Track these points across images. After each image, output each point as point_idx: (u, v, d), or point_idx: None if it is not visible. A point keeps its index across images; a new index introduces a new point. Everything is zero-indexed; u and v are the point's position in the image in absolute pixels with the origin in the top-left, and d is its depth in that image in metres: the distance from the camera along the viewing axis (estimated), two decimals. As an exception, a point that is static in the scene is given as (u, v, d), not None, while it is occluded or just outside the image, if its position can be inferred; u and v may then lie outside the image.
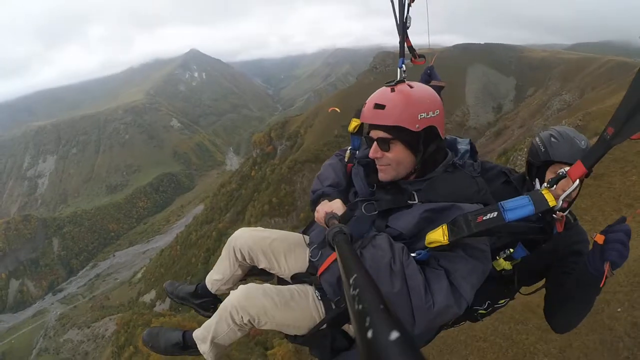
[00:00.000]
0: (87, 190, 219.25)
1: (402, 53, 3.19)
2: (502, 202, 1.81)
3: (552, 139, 2.53)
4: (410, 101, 2.10)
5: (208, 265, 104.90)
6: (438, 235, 1.88)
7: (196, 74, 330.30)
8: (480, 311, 2.86)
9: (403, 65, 3.06)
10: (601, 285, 2.16)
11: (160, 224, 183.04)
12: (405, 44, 3.24)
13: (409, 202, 2.15)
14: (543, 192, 1.82)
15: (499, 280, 2.53)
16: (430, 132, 2.15)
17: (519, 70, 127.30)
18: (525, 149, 17.68)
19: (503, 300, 2.81)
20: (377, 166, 2.28)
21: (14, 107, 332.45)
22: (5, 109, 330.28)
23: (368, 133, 2.27)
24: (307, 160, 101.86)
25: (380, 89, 2.23)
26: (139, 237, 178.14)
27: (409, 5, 3.05)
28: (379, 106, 2.12)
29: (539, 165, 2.58)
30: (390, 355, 0.61)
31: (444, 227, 1.89)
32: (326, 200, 2.34)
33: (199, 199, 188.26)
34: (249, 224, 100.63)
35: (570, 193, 2.15)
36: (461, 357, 7.28)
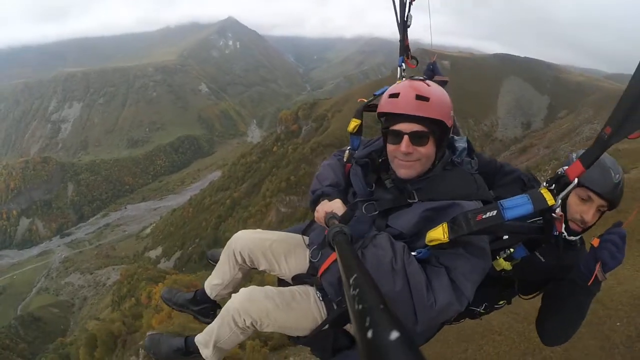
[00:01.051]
0: (108, 141, 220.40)
1: (402, 51, 3.27)
2: (501, 201, 1.84)
3: None
4: (446, 97, 2.14)
5: (217, 231, 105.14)
6: (438, 234, 1.89)
7: (230, 42, 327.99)
8: (478, 310, 2.87)
9: (403, 64, 3.17)
10: (589, 284, 2.16)
11: (175, 184, 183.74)
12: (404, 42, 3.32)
13: (408, 201, 2.15)
14: (542, 191, 1.85)
15: (497, 281, 2.54)
16: (452, 130, 2.21)
17: (554, 90, 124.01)
18: (550, 171, 16.99)
19: (501, 302, 2.82)
20: (402, 162, 2.20)
21: (47, 51, 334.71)
22: (39, 51, 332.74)
23: (391, 127, 2.18)
24: (331, 145, 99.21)
25: (409, 81, 2.21)
26: (152, 194, 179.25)
27: (410, 3, 3.09)
28: (422, 98, 2.07)
29: (559, 173, 2.38)
30: (391, 355, 0.61)
31: (444, 225, 1.90)
32: (326, 200, 2.31)
33: (216, 165, 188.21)
34: (263, 198, 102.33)
35: (584, 217, 2.38)
36: (477, 345, 7.99)
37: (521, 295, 2.80)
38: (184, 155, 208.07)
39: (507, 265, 2.29)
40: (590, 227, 2.49)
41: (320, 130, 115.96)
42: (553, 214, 1.88)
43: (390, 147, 2.23)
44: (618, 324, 7.16)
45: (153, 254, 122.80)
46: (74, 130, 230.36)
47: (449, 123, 2.12)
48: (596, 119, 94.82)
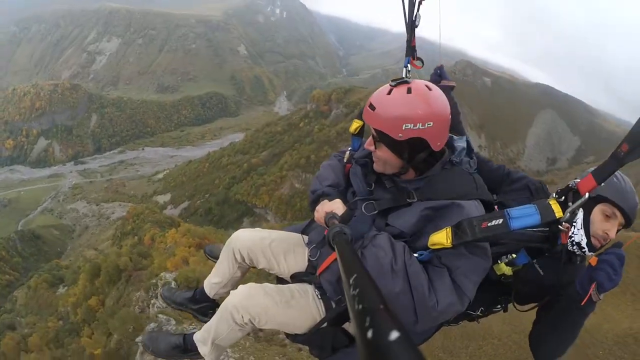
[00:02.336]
0: (139, 82, 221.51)
1: (408, 52, 3.26)
2: (508, 210, 1.84)
3: (615, 179, 2.41)
4: (398, 109, 2.03)
5: (229, 192, 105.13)
6: (441, 238, 1.89)
7: (278, 11, 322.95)
8: (476, 314, 2.87)
9: (408, 65, 3.15)
10: (582, 304, 2.14)
11: (196, 137, 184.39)
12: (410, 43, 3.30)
13: (408, 200, 2.15)
14: (550, 202, 1.84)
15: (496, 286, 2.53)
16: (416, 143, 2.08)
17: (587, 133, 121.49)
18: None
19: (498, 307, 2.81)
20: (373, 157, 2.29)
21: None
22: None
23: None
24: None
25: (382, 87, 2.18)
26: (171, 141, 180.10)
27: (420, 3, 3.08)
28: (371, 106, 2.10)
29: (591, 196, 2.23)
30: (390, 355, 0.61)
31: (448, 230, 1.90)
32: (326, 200, 2.30)
33: (239, 127, 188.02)
34: (280, 170, 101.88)
35: (605, 227, 2.36)
36: (478, 345, 8.89)
37: (516, 306, 2.73)
38: (210, 110, 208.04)
39: (507, 270, 2.30)
40: (609, 242, 2.42)
41: (349, 117, 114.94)
42: (560, 226, 1.87)
43: None
44: (600, 352, 8.34)
45: (161, 198, 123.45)
46: (108, 64, 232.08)
47: (396, 135, 2.04)
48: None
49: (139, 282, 35.01)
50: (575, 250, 2.41)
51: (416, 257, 2.00)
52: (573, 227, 2.39)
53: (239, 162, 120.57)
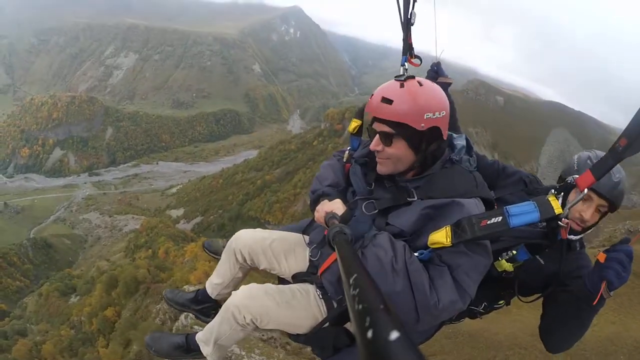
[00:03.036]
0: (155, 97, 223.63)
1: (405, 50, 3.19)
2: (507, 207, 1.85)
3: (588, 161, 2.48)
4: (418, 100, 2.06)
5: (242, 208, 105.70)
6: (441, 237, 1.90)
7: (292, 30, 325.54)
8: (478, 310, 2.86)
9: (406, 64, 3.09)
10: (594, 304, 2.14)
11: (209, 153, 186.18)
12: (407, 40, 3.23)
13: (408, 199, 2.15)
14: (549, 198, 1.85)
15: (498, 282, 2.52)
16: (433, 132, 2.11)
17: (600, 150, 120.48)
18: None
19: (501, 302, 2.82)
20: (377, 158, 2.25)
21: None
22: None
23: (371, 124, 2.22)
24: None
25: (389, 82, 2.19)
26: (185, 156, 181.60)
27: (414, 1, 3.01)
28: (386, 100, 2.07)
29: (569, 181, 2.44)
30: (390, 355, 0.61)
31: (447, 228, 1.90)
32: (326, 200, 2.29)
33: (252, 145, 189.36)
34: (294, 187, 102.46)
35: (584, 215, 2.36)
36: (504, 355, 9.13)
37: (520, 298, 2.73)
38: (224, 127, 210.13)
39: (509, 267, 2.29)
40: (592, 226, 2.47)
41: (363, 136, 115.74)
42: (559, 222, 1.88)
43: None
44: (622, 357, 8.65)
45: (174, 213, 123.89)
46: (125, 79, 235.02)
47: (418, 126, 2.05)
48: (634, 190, 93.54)
49: (157, 295, 35.41)
50: (573, 238, 2.41)
51: (416, 256, 2.00)
52: None
53: (252, 178, 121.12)
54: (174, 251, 62.88)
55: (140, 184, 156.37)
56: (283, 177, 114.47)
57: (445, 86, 3.05)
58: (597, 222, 2.48)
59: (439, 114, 2.08)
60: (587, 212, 2.38)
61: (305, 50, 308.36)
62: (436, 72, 3.33)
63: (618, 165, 2.26)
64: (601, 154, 2.40)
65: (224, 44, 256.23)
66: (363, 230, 2.13)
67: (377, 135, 2.17)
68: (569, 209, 1.86)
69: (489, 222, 1.84)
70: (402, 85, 2.10)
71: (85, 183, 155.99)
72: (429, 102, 2.07)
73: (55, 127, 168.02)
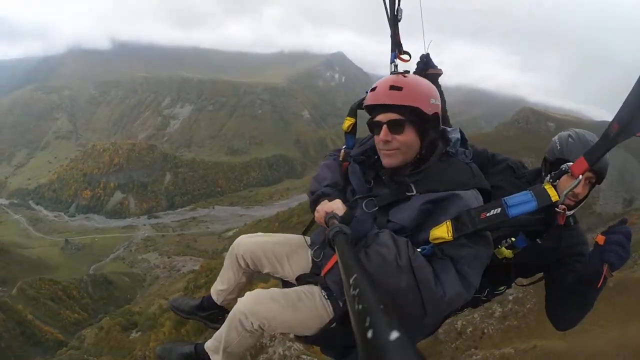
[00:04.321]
0: (211, 145, 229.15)
1: (393, 47, 3.18)
2: (505, 198, 1.89)
3: (569, 139, 2.58)
4: (424, 85, 2.18)
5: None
6: (442, 232, 1.92)
7: (336, 75, 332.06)
8: (481, 297, 2.92)
9: (395, 60, 3.10)
10: (599, 286, 2.21)
11: (264, 197, 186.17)
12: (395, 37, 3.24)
13: (407, 194, 2.16)
14: (546, 187, 1.88)
15: (499, 268, 2.56)
16: (436, 119, 2.19)
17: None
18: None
19: (502, 287, 2.88)
20: (384, 152, 2.23)
21: (167, 53, 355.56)
22: (160, 52, 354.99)
23: (373, 119, 2.23)
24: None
25: (389, 76, 2.27)
26: (240, 201, 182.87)
27: None
28: (395, 87, 2.12)
29: (552, 161, 2.64)
30: (390, 355, 0.61)
31: (448, 223, 1.93)
32: (326, 201, 2.30)
33: (305, 188, 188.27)
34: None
35: (575, 190, 2.32)
36: None
37: (521, 279, 2.89)
38: (277, 172, 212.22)
39: (509, 254, 2.35)
40: (583, 199, 2.55)
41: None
42: (556, 209, 1.93)
43: (375, 139, 2.27)
44: None
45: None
46: (181, 128, 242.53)
47: (427, 110, 2.11)
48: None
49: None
50: (567, 214, 2.39)
51: (419, 251, 2.00)
52: None
53: (307, 221, 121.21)
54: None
55: (198, 227, 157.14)
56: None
57: (435, 77, 3.19)
58: (587, 195, 2.55)
59: (437, 101, 2.19)
60: (578, 186, 2.34)
61: (350, 94, 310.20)
62: (426, 63, 3.35)
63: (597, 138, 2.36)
64: (580, 131, 2.63)
65: (273, 92, 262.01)
66: (365, 230, 2.11)
67: (385, 126, 2.16)
68: (565, 195, 1.89)
69: (488, 214, 1.88)
70: (404, 75, 2.20)
71: (144, 225, 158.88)
72: (430, 89, 2.18)
73: (116, 172, 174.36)
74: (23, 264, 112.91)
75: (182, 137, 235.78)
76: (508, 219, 1.86)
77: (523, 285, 2.93)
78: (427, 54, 3.29)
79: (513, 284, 2.98)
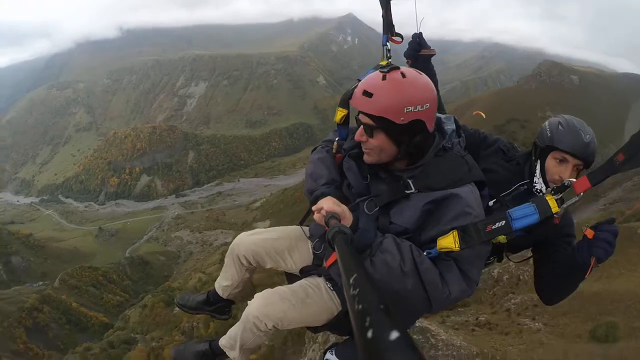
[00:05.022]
0: (229, 119, 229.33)
1: (385, 29, 3.08)
2: (509, 211, 2.00)
3: (560, 127, 2.63)
4: (398, 93, 2.04)
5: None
6: (449, 243, 1.99)
7: (349, 38, 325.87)
8: None
9: (387, 44, 3.02)
10: (586, 276, 2.37)
11: (287, 166, 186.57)
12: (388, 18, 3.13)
13: (406, 191, 2.16)
14: (547, 198, 2.01)
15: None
16: (415, 125, 2.08)
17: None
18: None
19: (491, 258, 2.94)
20: (363, 148, 2.26)
21: (175, 34, 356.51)
22: (168, 34, 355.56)
23: (358, 115, 2.22)
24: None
25: (373, 73, 2.20)
26: (264, 172, 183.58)
27: None
28: (367, 93, 2.07)
29: (542, 147, 2.69)
30: (390, 355, 0.61)
31: (454, 234, 1.99)
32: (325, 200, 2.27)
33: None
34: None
35: (558, 170, 2.60)
36: (625, 305, 10.84)
37: (508, 255, 3.00)
38: (298, 140, 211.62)
39: (503, 239, 2.43)
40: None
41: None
42: (555, 215, 2.03)
43: None
44: None
45: (261, 225, 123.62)
46: (198, 106, 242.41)
47: (397, 120, 2.03)
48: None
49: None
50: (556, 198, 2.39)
51: (425, 255, 2.05)
52: (535, 177, 2.70)
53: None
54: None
55: (225, 200, 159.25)
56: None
57: (427, 58, 3.15)
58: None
59: (422, 107, 2.05)
60: (566, 173, 2.56)
61: (365, 56, 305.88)
62: (419, 44, 3.16)
63: (587, 126, 2.63)
64: (570, 119, 2.67)
65: (286, 61, 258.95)
66: (370, 240, 2.10)
67: (361, 127, 2.17)
68: (564, 208, 2.02)
69: (493, 227, 1.97)
70: (384, 78, 2.07)
71: (173, 204, 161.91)
72: (410, 95, 2.04)
73: (140, 156, 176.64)
74: (60, 256, 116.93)
75: (200, 115, 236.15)
76: (512, 231, 1.97)
77: (516, 262, 3.07)
78: (420, 34, 3.18)
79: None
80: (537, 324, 11.69)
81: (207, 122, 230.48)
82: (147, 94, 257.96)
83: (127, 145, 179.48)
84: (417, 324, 8.52)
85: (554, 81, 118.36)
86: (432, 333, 8.48)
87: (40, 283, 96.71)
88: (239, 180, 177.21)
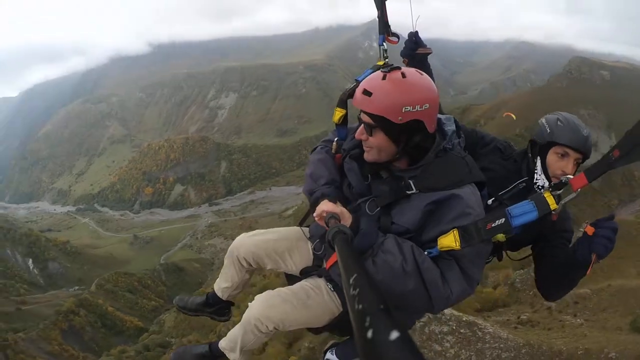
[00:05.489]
0: (260, 129, 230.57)
1: (381, 29, 3.14)
2: (509, 209, 2.01)
3: (559, 123, 2.70)
4: (398, 93, 2.06)
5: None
6: (450, 242, 2.00)
7: (375, 44, 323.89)
8: None
9: (384, 44, 3.05)
10: (587, 273, 2.40)
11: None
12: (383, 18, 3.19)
13: (407, 192, 2.17)
14: (545, 195, 2.02)
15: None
16: (414, 125, 2.10)
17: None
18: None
19: (490, 257, 2.93)
20: (363, 146, 2.28)
21: (206, 47, 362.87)
22: (198, 47, 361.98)
23: (360, 113, 2.25)
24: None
25: (374, 73, 2.23)
26: (296, 180, 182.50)
27: None
28: (366, 92, 2.10)
29: (542, 144, 2.76)
30: (390, 355, 0.61)
31: (455, 233, 2.01)
32: (326, 200, 2.27)
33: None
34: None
35: (560, 165, 2.68)
36: None
37: (509, 253, 3.02)
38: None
39: (502, 238, 2.39)
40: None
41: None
42: (552, 212, 2.04)
43: None
44: None
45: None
46: (229, 117, 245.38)
47: (396, 119, 2.05)
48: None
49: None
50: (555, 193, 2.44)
51: (426, 254, 2.07)
52: (535, 174, 2.76)
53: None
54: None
55: (257, 209, 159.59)
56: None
57: (424, 57, 3.17)
58: (575, 172, 2.69)
59: (420, 107, 2.06)
60: (568, 166, 2.65)
61: (392, 60, 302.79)
62: (415, 42, 3.19)
63: (582, 123, 2.71)
64: (568, 115, 2.74)
65: (314, 70, 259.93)
66: (371, 242, 2.11)
67: (362, 125, 2.20)
68: (562, 205, 2.04)
69: (493, 225, 1.98)
70: (384, 78, 2.09)
71: (206, 212, 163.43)
72: (409, 96, 2.05)
73: (174, 167, 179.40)
74: (97, 262, 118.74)
75: (232, 125, 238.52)
76: (511, 228, 1.97)
77: (516, 260, 3.10)
78: (416, 32, 3.18)
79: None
80: (578, 319, 12.29)
81: (239, 132, 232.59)
82: (179, 106, 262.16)
83: (161, 156, 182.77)
84: (464, 318, 9.15)
85: (585, 78, 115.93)
86: (480, 327, 9.10)
87: (77, 288, 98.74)
88: (270, 189, 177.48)
